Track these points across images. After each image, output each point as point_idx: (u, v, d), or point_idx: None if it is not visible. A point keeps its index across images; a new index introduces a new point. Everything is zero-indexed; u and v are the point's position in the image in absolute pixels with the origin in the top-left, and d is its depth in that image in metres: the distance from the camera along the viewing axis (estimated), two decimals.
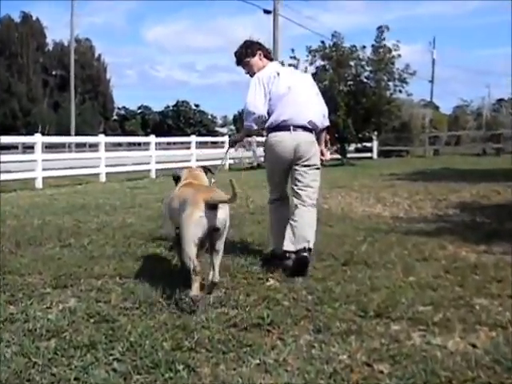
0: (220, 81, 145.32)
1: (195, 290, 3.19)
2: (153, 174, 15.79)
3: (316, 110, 4.28)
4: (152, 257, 4.56)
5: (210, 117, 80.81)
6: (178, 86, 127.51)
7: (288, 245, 4.01)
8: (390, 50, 19.56)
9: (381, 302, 3.25)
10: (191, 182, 3.81)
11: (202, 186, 3.72)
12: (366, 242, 5.04)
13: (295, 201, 4.14)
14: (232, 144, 4.57)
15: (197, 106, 78.12)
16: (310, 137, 4.20)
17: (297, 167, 4.17)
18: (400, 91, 20.02)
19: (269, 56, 4.46)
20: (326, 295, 3.42)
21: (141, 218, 6.87)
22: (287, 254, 4.00)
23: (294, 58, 19.77)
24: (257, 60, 4.36)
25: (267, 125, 4.18)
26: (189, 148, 19.04)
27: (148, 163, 16.18)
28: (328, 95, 19.13)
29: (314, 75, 19.91)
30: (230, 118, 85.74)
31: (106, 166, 14.66)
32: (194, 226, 3.21)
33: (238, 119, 58.58)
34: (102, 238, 5.43)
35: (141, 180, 14.20)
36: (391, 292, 3.49)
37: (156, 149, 17.11)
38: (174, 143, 37.42)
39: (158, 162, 16.43)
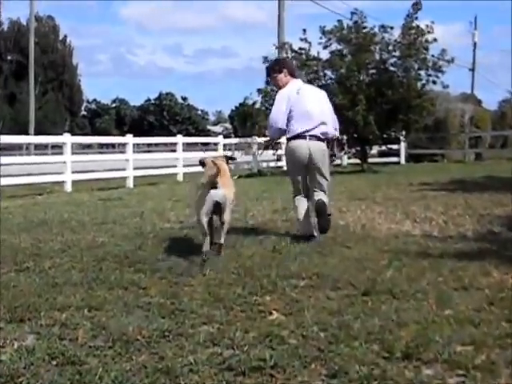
0: (213, 68, 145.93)
1: (205, 246, 5.39)
2: (130, 183, 15.83)
3: (328, 124, 6.55)
4: (128, 285, 4.57)
5: (200, 112, 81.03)
6: (162, 75, 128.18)
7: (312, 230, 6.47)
8: (422, 32, 19.64)
9: (410, 341, 3.25)
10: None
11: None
12: (391, 267, 5.05)
13: (314, 195, 6.50)
14: (260, 147, 7.12)
15: (184, 98, 78.46)
16: (322, 145, 6.50)
17: (311, 168, 6.48)
18: (434, 82, 20.10)
19: (293, 74, 6.78)
20: (343, 332, 3.43)
21: (115, 236, 6.89)
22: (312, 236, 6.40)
23: (305, 40, 19.89)
24: (282, 76, 6.64)
25: (288, 134, 6.47)
26: (174, 150, 19.12)
27: (124, 169, 16.22)
28: (345, 86, 19.29)
29: (328, 61, 20.02)
30: (226, 114, 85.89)
31: (73, 172, 14.71)
32: (205, 202, 5.45)
33: (236, 116, 58.65)
34: (67, 261, 5.44)
35: (115, 190, 14.22)
36: (422, 328, 3.49)
37: (134, 151, 17.20)
38: (157, 144, 37.50)
39: (136, 168, 16.48)
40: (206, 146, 31.41)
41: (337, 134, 6.67)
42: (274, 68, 6.78)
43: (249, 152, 20.54)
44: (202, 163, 5.89)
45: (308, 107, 6.44)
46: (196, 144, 33.32)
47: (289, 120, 6.43)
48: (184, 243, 6.31)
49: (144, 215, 8.79)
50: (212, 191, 5.42)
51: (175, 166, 18.06)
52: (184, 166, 18.01)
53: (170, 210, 9.41)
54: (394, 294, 4.21)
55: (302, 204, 6.55)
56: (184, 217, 8.40)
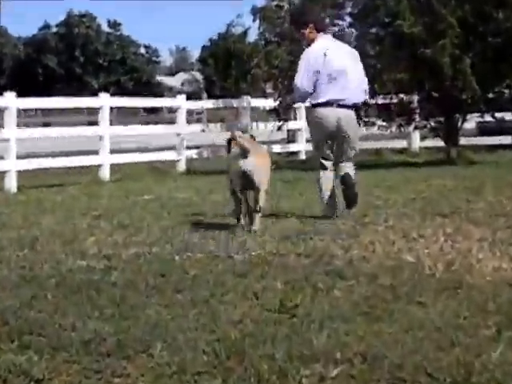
0: None
1: (236, 211, 10.01)
2: (12, 183, 15.83)
3: (357, 90, 10.42)
4: (9, 373, 4.58)
5: (143, 51, 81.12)
6: None
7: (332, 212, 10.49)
8: None
9: None
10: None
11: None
12: (501, 341, 5.09)
13: (340, 168, 10.42)
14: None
15: (114, 25, 78.65)
16: (350, 113, 10.41)
17: (339, 138, 10.38)
18: None
19: (320, 28, 10.66)
20: None
21: None
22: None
23: None
24: (308, 32, 10.52)
25: (314, 101, 10.35)
26: (96, 123, 19.06)
27: (1, 157, 16.22)
28: (417, 0, 19.29)
29: None
30: (193, 54, 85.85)
31: None
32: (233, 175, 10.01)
33: (212, 57, 58.75)
34: None
35: None
36: None
37: (20, 124, 17.18)
38: (62, 111, 37.42)
39: (22, 157, 16.48)
40: (154, 114, 31.52)
41: (364, 97, 10.92)
42: (299, 22, 11.17)
43: (236, 126, 20.50)
44: (229, 141, 9.67)
45: (336, 71, 10.26)
46: (137, 110, 33.53)
47: (315, 85, 10.23)
48: (112, 296, 6.32)
49: (38, 244, 8.81)
50: (240, 161, 9.37)
51: (96, 153, 18.01)
52: (112, 151, 18.02)
53: (88, 233, 9.44)
54: None
55: (328, 181, 10.39)
56: (113, 247, 8.42)
